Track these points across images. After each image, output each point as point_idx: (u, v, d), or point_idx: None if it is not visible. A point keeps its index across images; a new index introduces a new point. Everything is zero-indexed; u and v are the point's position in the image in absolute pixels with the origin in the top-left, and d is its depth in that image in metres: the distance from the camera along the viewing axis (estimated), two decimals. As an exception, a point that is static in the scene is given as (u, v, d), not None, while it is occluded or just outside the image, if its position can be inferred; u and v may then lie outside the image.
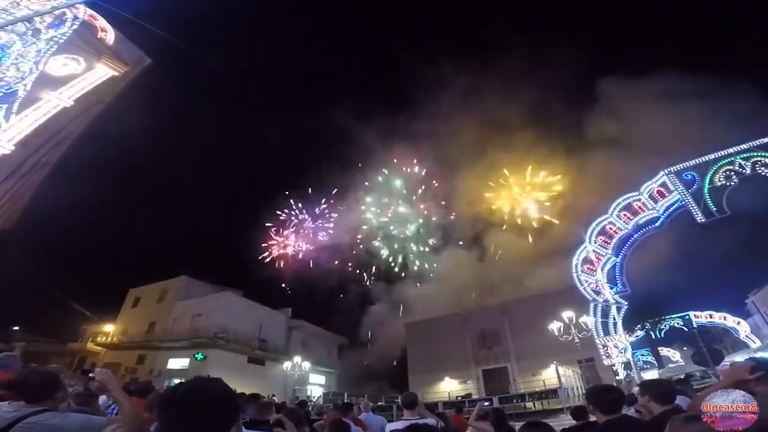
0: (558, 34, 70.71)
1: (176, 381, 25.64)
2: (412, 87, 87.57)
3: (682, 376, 19.40)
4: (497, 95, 62.64)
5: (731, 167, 20.80)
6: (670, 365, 26.61)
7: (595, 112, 48.79)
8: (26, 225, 22.20)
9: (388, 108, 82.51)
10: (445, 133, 57.60)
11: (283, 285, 49.66)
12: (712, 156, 21.35)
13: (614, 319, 21.33)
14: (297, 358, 31.24)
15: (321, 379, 38.66)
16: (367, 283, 52.95)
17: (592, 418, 4.58)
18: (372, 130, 58.04)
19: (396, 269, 51.68)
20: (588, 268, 22.40)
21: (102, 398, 4.00)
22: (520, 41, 72.69)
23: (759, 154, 20.39)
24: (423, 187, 52.05)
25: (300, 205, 52.25)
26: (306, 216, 51.91)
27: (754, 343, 24.97)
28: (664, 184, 22.04)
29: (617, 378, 20.00)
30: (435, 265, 52.04)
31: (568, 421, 6.20)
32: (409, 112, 78.37)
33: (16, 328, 35.38)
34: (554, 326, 21.14)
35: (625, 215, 22.41)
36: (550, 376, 25.23)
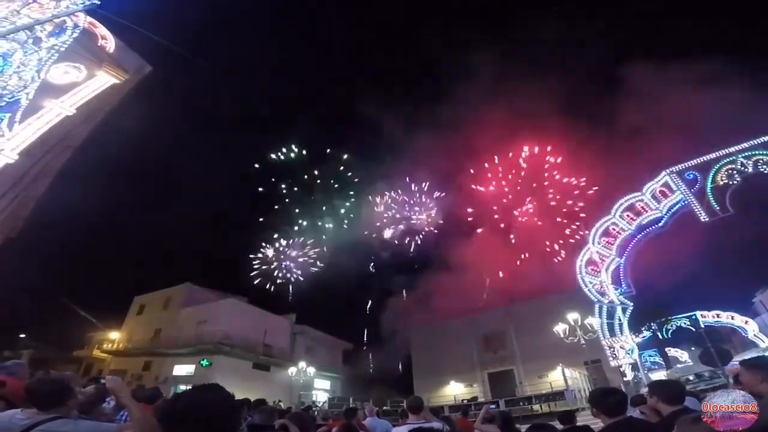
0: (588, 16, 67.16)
1: (182, 387, 25.66)
2: (438, 74, 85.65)
3: (691, 377, 19.24)
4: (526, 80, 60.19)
5: (733, 166, 20.76)
6: (678, 366, 26.37)
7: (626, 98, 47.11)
8: (31, 234, 22.29)
9: (409, 96, 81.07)
10: (471, 121, 56.38)
11: (289, 291, 49.46)
12: (713, 155, 21.33)
13: (620, 320, 21.23)
14: (302, 364, 31.21)
15: (326, 384, 38.58)
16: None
17: (580, 422, 4.57)
18: (390, 121, 57.93)
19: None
20: (592, 270, 22.31)
21: (104, 403, 3.99)
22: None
23: (760, 152, 20.35)
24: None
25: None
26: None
27: (763, 342, 24.72)
28: (666, 184, 21.98)
29: (624, 379, 19.87)
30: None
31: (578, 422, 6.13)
32: (433, 100, 76.88)
33: (23, 335, 35.59)
34: (560, 328, 21.05)
35: (628, 216, 22.34)
36: (556, 378, 25.09)
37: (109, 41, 17.39)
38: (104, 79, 16.97)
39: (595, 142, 49.73)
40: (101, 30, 17.23)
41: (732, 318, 26.63)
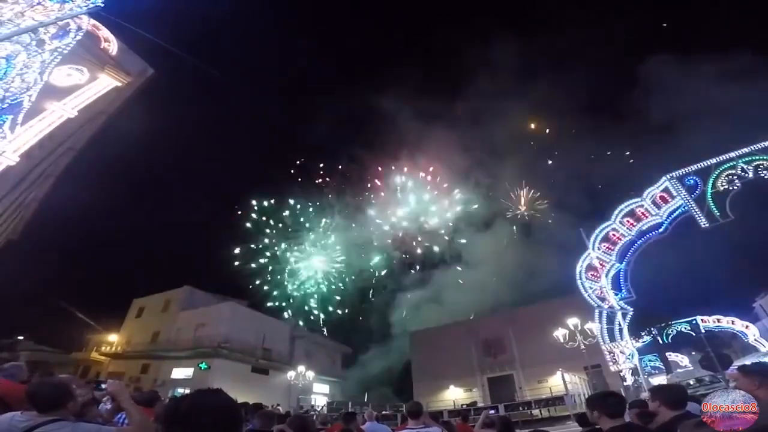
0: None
1: (180, 390, 25.57)
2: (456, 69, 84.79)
3: (692, 382, 19.20)
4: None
5: (733, 171, 20.75)
6: (679, 370, 26.33)
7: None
8: (31, 236, 22.32)
9: (427, 92, 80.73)
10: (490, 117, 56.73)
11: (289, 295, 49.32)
12: (714, 160, 21.30)
13: (620, 325, 21.17)
14: (301, 368, 31.05)
15: (325, 388, 38.41)
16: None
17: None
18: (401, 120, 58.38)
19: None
20: (592, 275, 22.27)
21: (102, 406, 3.99)
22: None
23: (760, 157, 20.36)
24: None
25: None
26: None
27: (764, 347, 24.68)
28: (666, 190, 21.95)
29: (625, 384, 19.81)
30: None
31: (575, 428, 6.12)
32: (452, 96, 76.58)
33: (21, 337, 35.46)
34: (559, 333, 21.00)
35: (628, 221, 22.31)
36: (556, 383, 25.01)
37: (112, 44, 17.44)
38: (106, 82, 17.01)
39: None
40: (104, 33, 17.28)
41: (732, 323, 26.59)
